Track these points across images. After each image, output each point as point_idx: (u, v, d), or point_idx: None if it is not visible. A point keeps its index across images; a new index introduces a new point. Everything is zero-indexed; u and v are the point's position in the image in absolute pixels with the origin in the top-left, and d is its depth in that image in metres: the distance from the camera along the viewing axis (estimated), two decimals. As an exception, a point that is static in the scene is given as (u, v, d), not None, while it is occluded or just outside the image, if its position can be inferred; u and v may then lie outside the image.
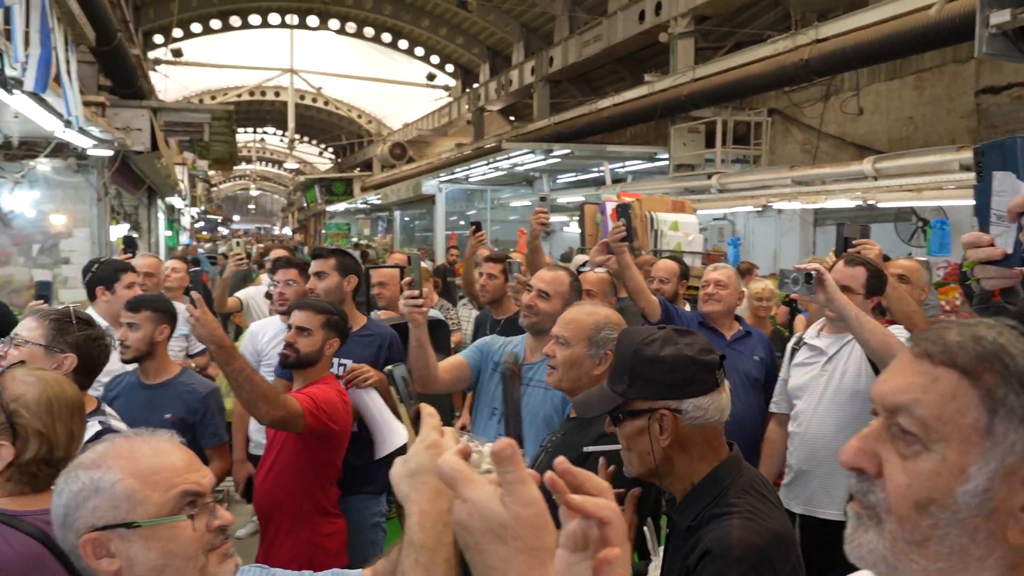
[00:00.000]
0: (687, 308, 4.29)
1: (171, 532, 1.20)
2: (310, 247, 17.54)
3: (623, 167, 14.27)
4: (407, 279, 2.85)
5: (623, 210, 3.44)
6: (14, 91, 4.01)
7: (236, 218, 54.79)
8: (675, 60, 13.49)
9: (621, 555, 0.79)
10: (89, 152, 6.74)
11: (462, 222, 19.17)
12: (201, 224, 31.71)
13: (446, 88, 27.74)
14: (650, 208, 5.23)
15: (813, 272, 2.55)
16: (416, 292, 2.77)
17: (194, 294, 2.63)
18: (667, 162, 12.83)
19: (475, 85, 24.83)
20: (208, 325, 2.55)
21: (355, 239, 24.04)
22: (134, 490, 1.20)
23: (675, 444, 1.63)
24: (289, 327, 3.00)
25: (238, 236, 16.24)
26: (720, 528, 1.55)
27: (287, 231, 41.88)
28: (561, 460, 0.83)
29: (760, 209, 10.48)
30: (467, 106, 24.41)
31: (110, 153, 6.94)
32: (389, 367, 1.31)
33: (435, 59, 27.12)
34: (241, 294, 6.01)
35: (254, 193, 52.36)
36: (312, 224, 32.88)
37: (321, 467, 2.87)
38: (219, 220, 41.12)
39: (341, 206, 26.86)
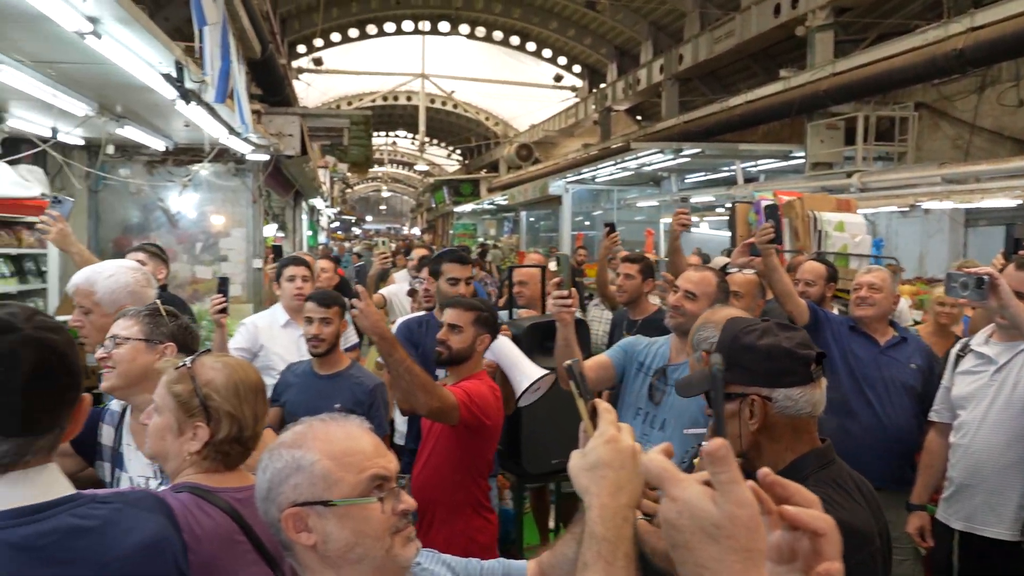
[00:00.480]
0: (835, 312, 4.14)
1: (362, 513, 1.26)
2: (438, 246, 17.98)
3: (755, 166, 13.87)
4: (556, 279, 2.91)
5: (771, 211, 3.37)
6: (191, 102, 4.37)
7: (368, 218, 56.81)
8: (813, 54, 12.99)
9: (840, 569, 0.79)
10: (248, 157, 7.21)
11: (587, 222, 19.14)
12: (336, 224, 33.11)
13: (573, 89, 27.79)
14: (813, 207, 4.95)
15: (986, 276, 2.42)
16: (565, 292, 2.83)
17: (358, 287, 2.78)
18: (803, 160, 12.36)
19: (602, 85, 24.74)
20: (371, 317, 2.69)
21: (481, 239, 24.48)
22: (330, 470, 1.27)
23: (764, 430, 1.70)
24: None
25: (382, 236, 16.91)
26: None
27: (416, 231, 43.10)
28: (766, 471, 0.82)
29: (906, 209, 9.93)
30: (594, 106, 24.36)
31: (266, 158, 7.40)
32: (568, 361, 1.35)
33: (562, 60, 27.22)
34: (384, 291, 6.27)
35: (385, 194, 54.25)
36: (440, 224, 33.67)
37: (473, 461, 2.96)
38: (353, 220, 42.83)
39: (468, 207, 27.36)
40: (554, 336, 3.41)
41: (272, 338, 3.91)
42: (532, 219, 23.61)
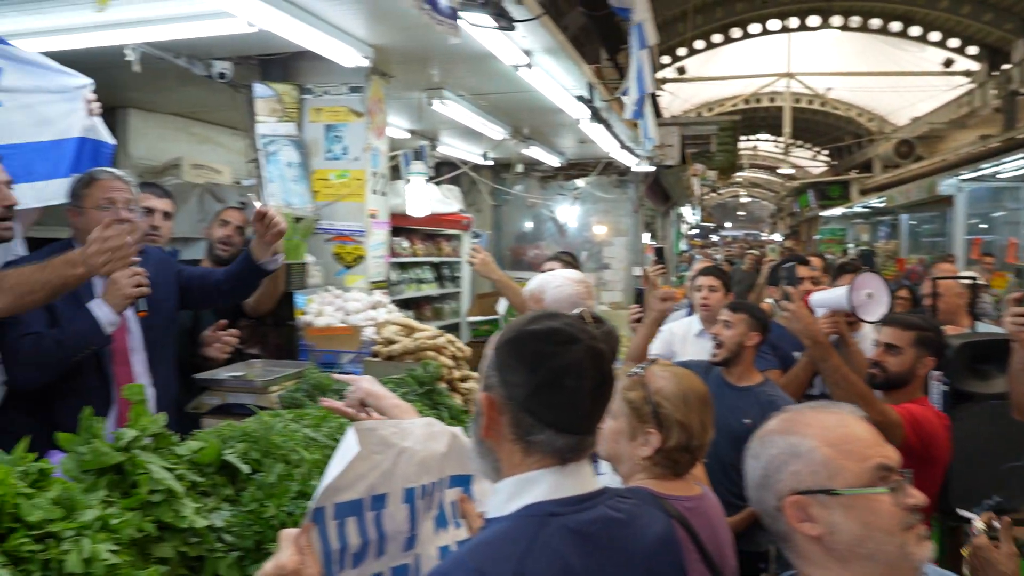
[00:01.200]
0: None
1: (870, 504, 1.19)
2: (803, 253, 17.09)
3: None
4: (1016, 294, 2.59)
5: None
6: (596, 121, 4.68)
7: (727, 224, 55.87)
8: None
9: None
10: (632, 169, 7.54)
11: (983, 225, 16.80)
12: (696, 231, 33.15)
13: (967, 74, 24.53)
14: None
15: None
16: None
17: (788, 288, 2.71)
18: None
19: (1006, 66, 21.51)
20: (803, 319, 2.60)
21: (851, 244, 22.78)
22: (831, 458, 1.22)
23: None
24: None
25: (772, 244, 16.73)
26: None
27: (776, 237, 41.47)
28: None
29: None
30: (994, 91, 21.26)
31: (651, 168, 7.67)
32: None
33: (954, 42, 24.20)
34: (769, 300, 6.17)
35: (744, 200, 52.88)
36: (804, 230, 32.02)
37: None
38: (712, 227, 42.47)
39: (837, 210, 25.65)
40: (988, 358, 3.07)
41: (685, 346, 4.00)
42: (913, 223, 21.36)
